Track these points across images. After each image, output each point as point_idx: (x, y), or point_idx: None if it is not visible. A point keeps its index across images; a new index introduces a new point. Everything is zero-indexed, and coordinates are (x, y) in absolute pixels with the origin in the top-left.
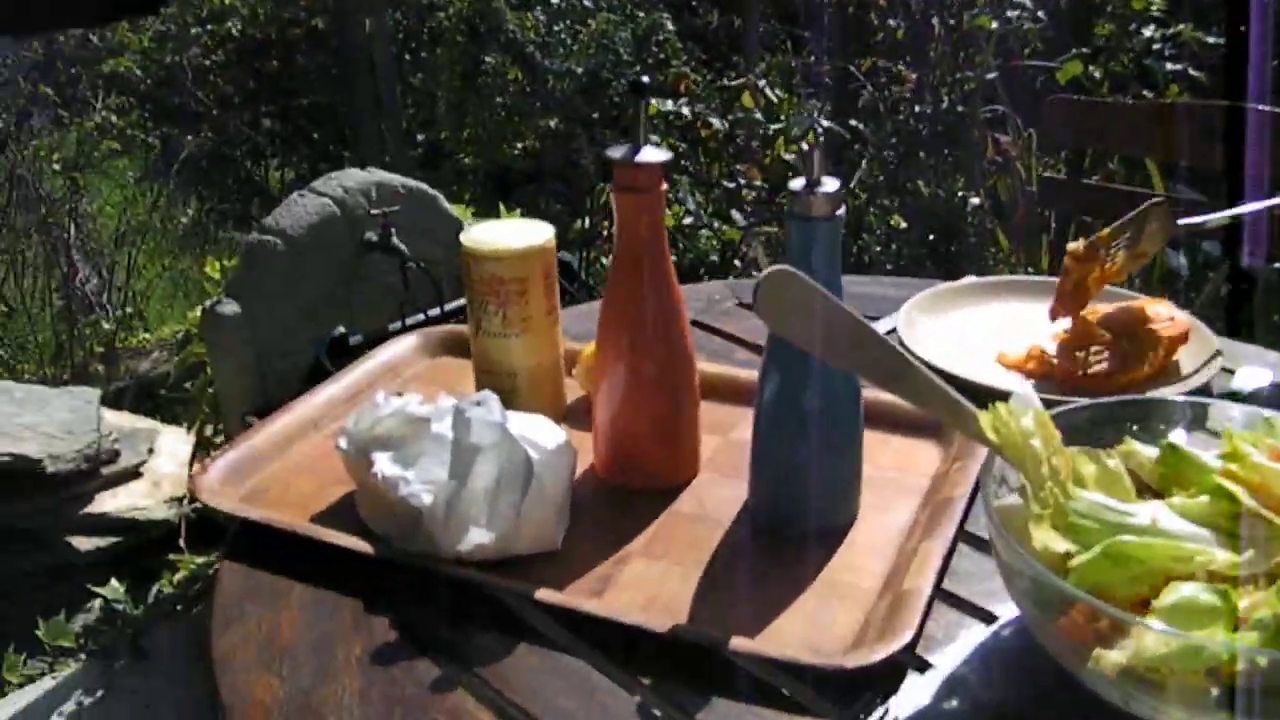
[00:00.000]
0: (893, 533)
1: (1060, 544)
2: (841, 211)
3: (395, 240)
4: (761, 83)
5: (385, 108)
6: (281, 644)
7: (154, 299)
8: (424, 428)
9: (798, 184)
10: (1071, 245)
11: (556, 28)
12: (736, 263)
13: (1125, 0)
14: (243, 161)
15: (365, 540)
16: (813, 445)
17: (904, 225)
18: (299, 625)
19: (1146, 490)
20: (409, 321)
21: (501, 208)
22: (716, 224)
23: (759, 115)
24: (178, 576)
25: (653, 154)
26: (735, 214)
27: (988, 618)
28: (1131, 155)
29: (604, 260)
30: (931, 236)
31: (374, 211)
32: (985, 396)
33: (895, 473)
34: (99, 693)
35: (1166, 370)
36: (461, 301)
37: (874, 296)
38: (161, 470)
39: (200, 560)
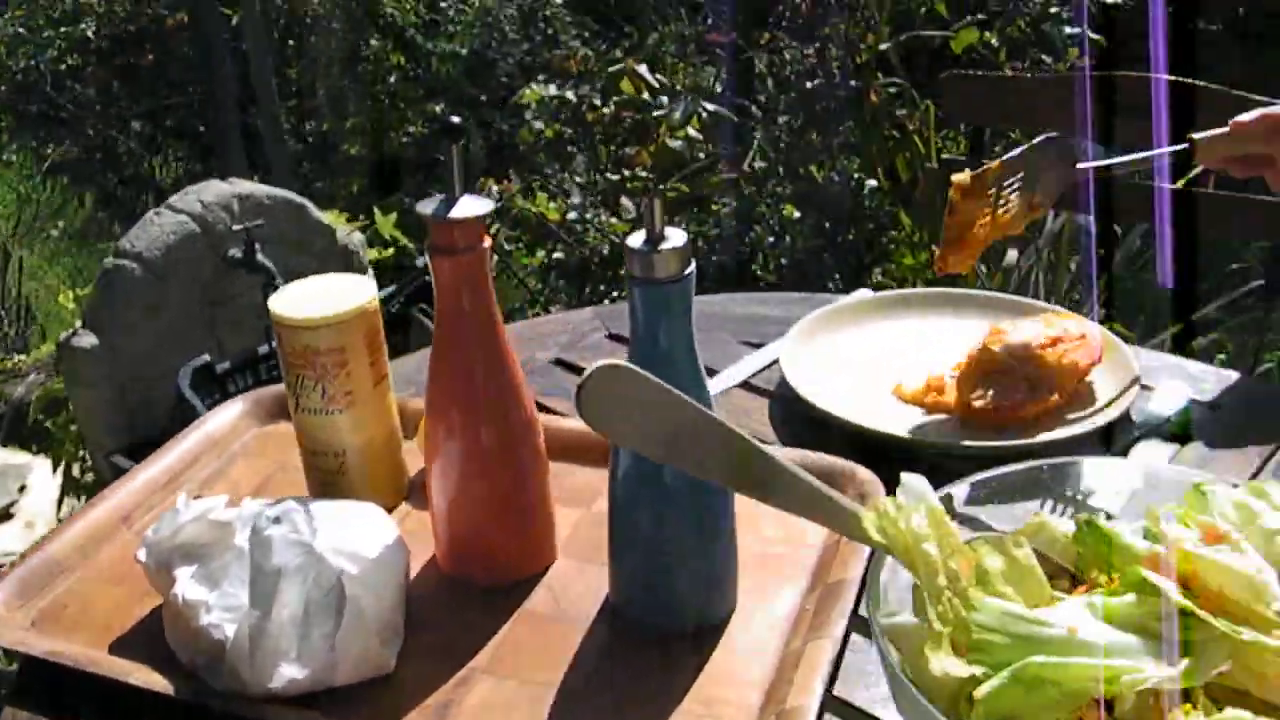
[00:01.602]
0: (776, 627)
1: (962, 669)
2: (692, 268)
3: (261, 256)
4: (642, 68)
5: (260, 101)
6: None
7: (45, 308)
8: (227, 536)
9: (637, 240)
10: (957, 176)
11: (444, 3)
12: None
13: None
14: (121, 160)
15: (168, 677)
16: (680, 523)
17: (797, 215)
18: None
19: (1061, 574)
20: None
21: (377, 212)
22: (604, 215)
23: (645, 96)
24: None
25: (472, 206)
26: (626, 202)
27: None
28: (1034, 132)
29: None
30: (828, 224)
31: (236, 227)
32: (880, 447)
33: (781, 546)
34: None
35: (1081, 395)
36: None
37: (756, 318)
38: (35, 509)
39: None
